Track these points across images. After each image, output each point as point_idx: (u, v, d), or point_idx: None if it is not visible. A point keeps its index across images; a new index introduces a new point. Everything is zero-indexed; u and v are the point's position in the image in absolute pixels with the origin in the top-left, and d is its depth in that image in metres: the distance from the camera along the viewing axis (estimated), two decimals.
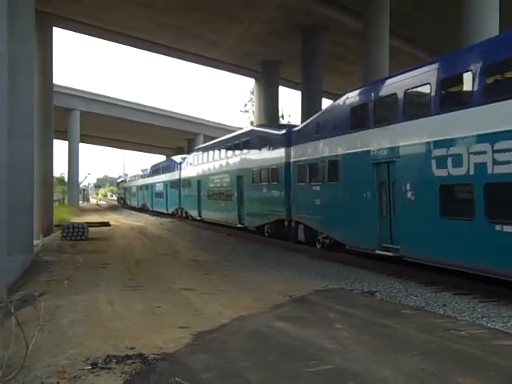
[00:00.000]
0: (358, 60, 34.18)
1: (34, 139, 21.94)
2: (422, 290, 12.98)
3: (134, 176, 78.11)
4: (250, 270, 16.69)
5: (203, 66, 53.57)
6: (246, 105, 65.36)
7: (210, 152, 36.12)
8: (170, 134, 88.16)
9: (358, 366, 7.05)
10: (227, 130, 67.32)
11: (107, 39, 43.95)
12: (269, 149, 24.96)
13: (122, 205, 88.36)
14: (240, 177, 28.78)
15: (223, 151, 32.80)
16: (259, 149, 26.35)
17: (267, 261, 18.94)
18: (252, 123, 58.44)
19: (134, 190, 76.24)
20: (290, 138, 22.69)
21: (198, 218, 38.14)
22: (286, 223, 22.92)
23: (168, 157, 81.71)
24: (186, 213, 42.99)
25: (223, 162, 32.41)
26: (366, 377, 6.63)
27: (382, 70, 29.78)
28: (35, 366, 7.09)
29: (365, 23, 31.08)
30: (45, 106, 33.91)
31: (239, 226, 28.98)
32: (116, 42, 44.30)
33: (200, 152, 39.73)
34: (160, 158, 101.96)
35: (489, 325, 9.56)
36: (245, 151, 28.49)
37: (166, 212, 50.17)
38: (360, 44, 32.13)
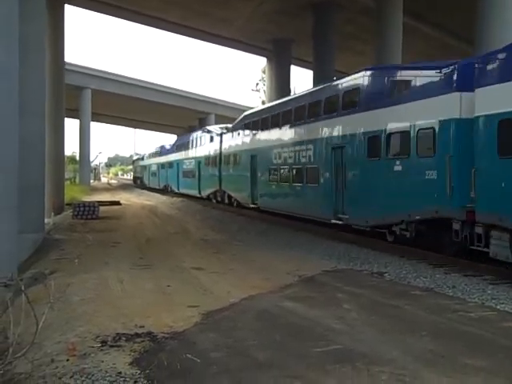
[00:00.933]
0: (370, 39, 33.93)
1: (46, 118, 21.97)
2: (431, 271, 12.95)
3: (155, 152, 67.77)
4: (259, 250, 16.71)
5: (215, 45, 53.47)
6: (257, 84, 65.23)
7: (276, 115, 25.27)
8: (182, 113, 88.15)
9: (366, 347, 7.06)
10: (239, 109, 67.14)
11: (119, 17, 43.98)
12: (409, 99, 15.24)
13: (139, 185, 79.14)
14: (338, 148, 18.71)
15: (301, 112, 22.29)
16: (380, 101, 16.43)
17: (276, 240, 18.95)
18: (263, 102, 58.13)
19: (153, 168, 66.24)
20: (471, 75, 12.83)
21: (252, 206, 28.35)
22: (458, 226, 13.18)
23: (179, 135, 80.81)
24: (230, 198, 33.45)
25: (301, 128, 22.01)
26: (373, 357, 6.64)
27: (395, 48, 29.56)
28: (45, 343, 7.16)
29: (377, 1, 30.76)
30: (56, 84, 33.87)
31: (335, 222, 18.97)
32: (127, 19, 44.45)
33: (256, 117, 28.58)
34: (171, 137, 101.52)
35: (498, 307, 9.53)
36: (349, 108, 18.31)
37: (198, 195, 41.36)
38: (373, 22, 31.84)
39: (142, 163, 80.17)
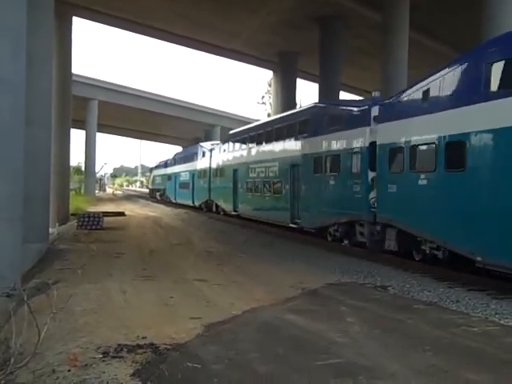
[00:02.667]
0: (377, 53, 34.01)
1: (52, 128, 22.05)
2: (435, 285, 12.91)
3: (185, 155, 51.43)
4: (263, 262, 16.67)
5: (221, 57, 53.65)
6: (263, 97, 65.28)
7: None
8: (188, 125, 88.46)
9: (368, 361, 7.03)
10: (244, 121, 67.25)
11: (126, 29, 44.28)
12: None
13: (159, 200, 64.89)
14: None
15: None
16: None
17: (280, 253, 18.91)
18: (269, 115, 58.27)
19: (184, 177, 49.67)
20: None
21: None
22: None
23: (185, 147, 78.70)
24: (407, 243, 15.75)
25: None
26: (376, 371, 6.61)
27: (400, 62, 29.63)
28: (47, 353, 7.14)
29: (384, 15, 30.89)
30: (63, 95, 34.08)
31: None
32: (134, 31, 44.74)
33: None
34: (177, 149, 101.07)
35: (502, 322, 9.49)
36: None
37: (292, 225, 23.66)
38: (379, 36, 31.94)
39: (164, 171, 63.06)
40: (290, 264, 16.40)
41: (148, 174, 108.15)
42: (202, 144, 46.41)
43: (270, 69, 51.08)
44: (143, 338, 7.94)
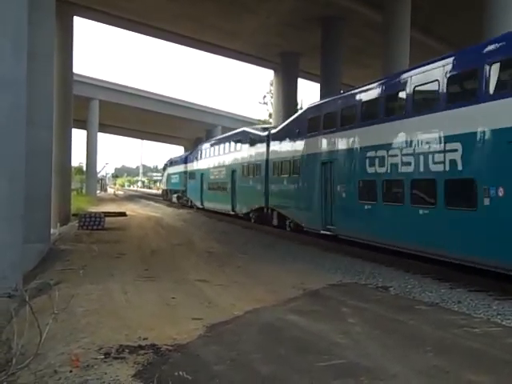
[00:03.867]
0: (377, 53, 34.02)
1: (53, 128, 22.05)
2: (436, 285, 12.90)
3: (217, 146, 38.67)
4: (264, 263, 16.66)
5: (223, 57, 53.68)
6: (265, 96, 64.81)
7: None
8: (189, 125, 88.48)
9: (370, 362, 7.02)
10: (246, 121, 67.18)
11: (127, 29, 44.30)
12: None
13: (175, 203, 53.67)
14: None
15: None
16: None
17: (281, 253, 18.90)
18: (271, 115, 58.21)
19: (217, 175, 37.42)
20: None
21: None
22: None
23: (188, 149, 77.83)
24: None
25: None
26: (377, 372, 6.60)
27: (402, 62, 29.59)
28: (49, 354, 7.13)
29: (385, 14, 30.89)
30: (64, 95, 34.13)
31: None
32: (136, 31, 44.75)
33: None
34: (178, 149, 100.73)
35: (504, 323, 9.47)
36: None
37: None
38: (380, 36, 31.94)
39: (183, 168, 51.09)
40: (292, 264, 16.40)
41: (150, 173, 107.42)
42: (247, 129, 33.49)
43: (271, 69, 51.09)
44: (145, 338, 7.93)
